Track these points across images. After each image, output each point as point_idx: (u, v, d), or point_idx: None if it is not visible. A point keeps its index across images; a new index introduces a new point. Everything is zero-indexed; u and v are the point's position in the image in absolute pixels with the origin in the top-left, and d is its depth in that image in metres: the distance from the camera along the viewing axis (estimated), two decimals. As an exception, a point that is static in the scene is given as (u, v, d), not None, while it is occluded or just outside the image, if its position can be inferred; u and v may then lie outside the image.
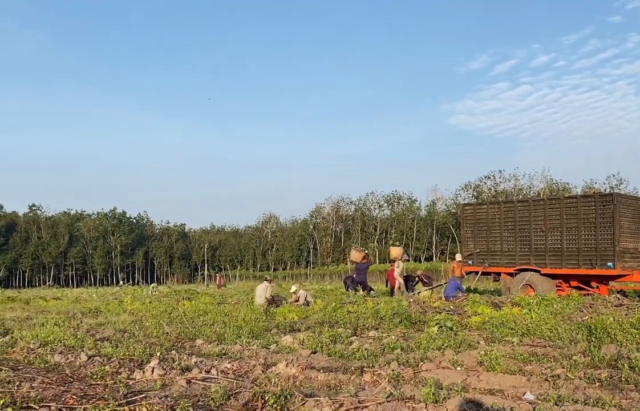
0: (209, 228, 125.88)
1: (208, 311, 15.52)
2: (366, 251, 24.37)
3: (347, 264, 36.60)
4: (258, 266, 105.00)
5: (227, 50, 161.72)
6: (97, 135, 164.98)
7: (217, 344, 10.28)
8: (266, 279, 19.60)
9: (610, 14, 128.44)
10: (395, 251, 22.69)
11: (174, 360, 8.42)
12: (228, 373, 7.48)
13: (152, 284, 45.42)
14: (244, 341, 10.40)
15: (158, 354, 8.66)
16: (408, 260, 23.89)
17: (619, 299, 15.84)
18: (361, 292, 22.51)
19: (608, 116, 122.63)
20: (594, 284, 18.68)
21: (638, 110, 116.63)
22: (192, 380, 6.98)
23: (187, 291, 32.67)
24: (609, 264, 17.24)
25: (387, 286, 24.88)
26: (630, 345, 8.37)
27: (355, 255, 23.46)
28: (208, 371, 7.56)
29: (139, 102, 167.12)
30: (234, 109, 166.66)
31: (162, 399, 5.93)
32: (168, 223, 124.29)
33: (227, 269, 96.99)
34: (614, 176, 64.21)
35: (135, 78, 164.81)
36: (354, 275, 23.57)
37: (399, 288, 21.83)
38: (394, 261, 22.65)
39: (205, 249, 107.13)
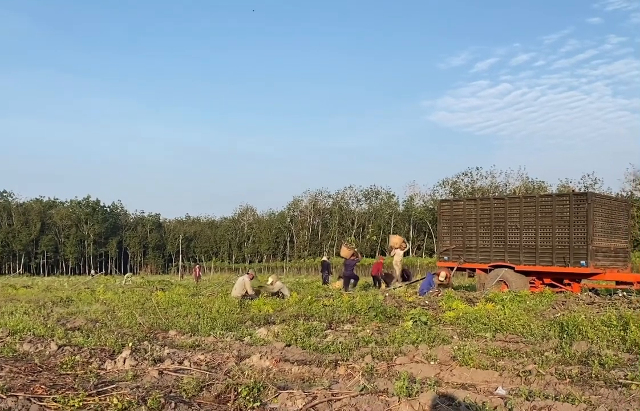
0: (184, 219, 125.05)
1: (182, 302, 15.43)
2: (355, 249, 24.60)
3: (322, 257, 36.73)
4: (233, 258, 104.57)
5: (210, 40, 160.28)
6: (73, 121, 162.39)
7: (191, 335, 10.22)
8: (248, 274, 19.44)
9: (590, 15, 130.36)
10: (394, 239, 22.69)
11: (146, 350, 8.34)
12: (201, 365, 7.45)
13: (126, 274, 44.99)
14: (218, 333, 10.36)
15: (130, 344, 8.54)
16: (407, 252, 23.91)
17: (590, 297, 16.02)
18: (337, 285, 22.58)
19: (585, 116, 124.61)
20: (566, 281, 18.94)
21: (614, 111, 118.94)
22: (165, 371, 6.92)
23: (161, 281, 32.53)
24: (581, 262, 17.47)
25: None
26: (601, 342, 8.48)
27: (345, 251, 23.80)
28: (181, 363, 7.52)
29: (115, 89, 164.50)
30: (214, 99, 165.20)
31: (134, 389, 5.86)
32: (142, 212, 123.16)
33: (202, 261, 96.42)
34: (588, 175, 64.83)
35: (112, 65, 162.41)
36: (344, 269, 23.75)
37: (397, 278, 21.93)
38: (391, 249, 22.82)
39: (180, 240, 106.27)
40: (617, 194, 58.26)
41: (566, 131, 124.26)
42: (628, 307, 12.61)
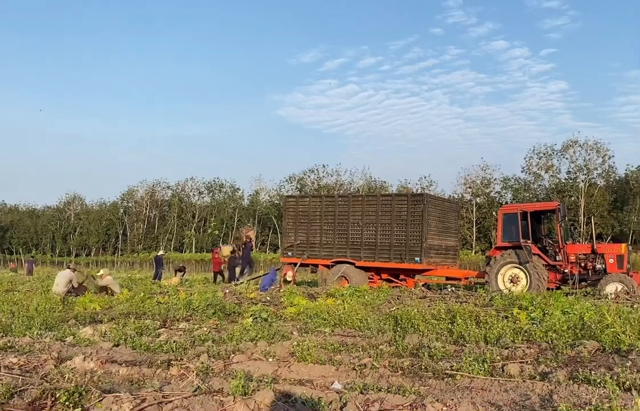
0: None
1: (-7, 299, 13.84)
2: (233, 247, 24.48)
3: (159, 251, 35.47)
4: (57, 251, 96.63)
5: (42, 17, 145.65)
6: None
7: (2, 336, 9.21)
8: (69, 267, 18.07)
9: (433, 26, 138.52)
10: None
11: (-57, 356, 7.30)
12: (13, 369, 6.74)
13: None
14: (35, 333, 9.44)
15: None
16: None
17: (423, 291, 17.15)
18: (173, 281, 21.83)
19: (424, 121, 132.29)
20: (402, 277, 20.07)
21: (450, 118, 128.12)
22: (-35, 378, 6.04)
23: (-33, 277, 29.48)
24: (416, 259, 18.54)
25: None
26: (431, 334, 8.92)
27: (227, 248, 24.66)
28: (-13, 367, 6.66)
29: None
30: (42, 76, 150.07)
31: None
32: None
33: (20, 253, 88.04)
34: (425, 177, 69.52)
35: None
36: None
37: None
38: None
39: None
40: (450, 196, 63.16)
41: (407, 135, 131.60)
42: (456, 301, 13.59)
